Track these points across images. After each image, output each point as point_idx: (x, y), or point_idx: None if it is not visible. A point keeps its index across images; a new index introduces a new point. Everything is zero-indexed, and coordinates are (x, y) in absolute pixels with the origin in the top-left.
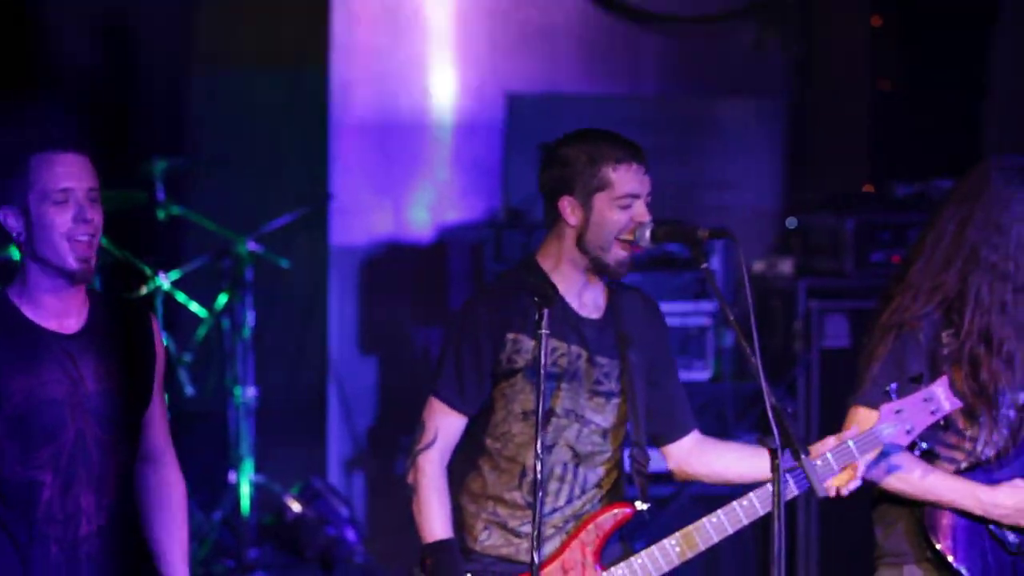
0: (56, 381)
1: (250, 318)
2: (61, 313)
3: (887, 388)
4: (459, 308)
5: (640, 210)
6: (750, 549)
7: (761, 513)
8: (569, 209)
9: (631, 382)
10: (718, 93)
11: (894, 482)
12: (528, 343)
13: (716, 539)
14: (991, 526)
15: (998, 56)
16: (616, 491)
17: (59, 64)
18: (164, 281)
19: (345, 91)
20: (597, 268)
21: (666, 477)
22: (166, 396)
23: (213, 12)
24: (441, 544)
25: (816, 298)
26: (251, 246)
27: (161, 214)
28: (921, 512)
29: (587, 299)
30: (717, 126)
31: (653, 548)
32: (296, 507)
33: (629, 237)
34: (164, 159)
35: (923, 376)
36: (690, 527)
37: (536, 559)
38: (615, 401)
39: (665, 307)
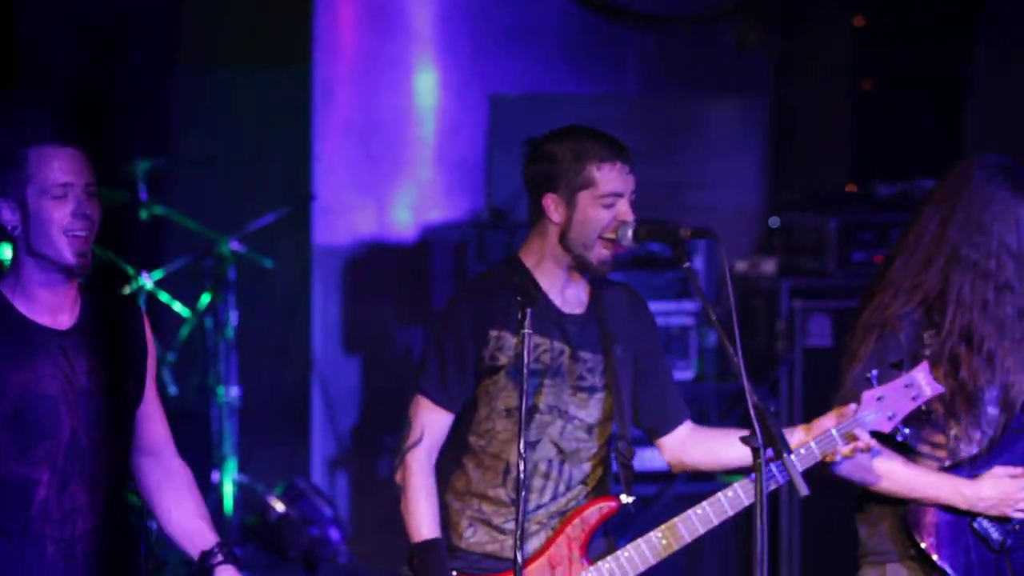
0: (51, 377)
1: (233, 318)
2: (55, 309)
3: (868, 375)
4: (443, 306)
5: (623, 209)
6: (732, 548)
7: (746, 503)
8: (553, 206)
9: (615, 377)
10: (701, 93)
11: (878, 481)
12: (511, 340)
13: (702, 530)
14: (974, 524)
15: (980, 56)
16: (602, 487)
17: (42, 63)
18: (147, 281)
19: (328, 91)
20: (579, 266)
21: (650, 477)
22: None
23: (197, 12)
24: (428, 544)
25: (799, 297)
26: (234, 246)
27: (144, 214)
28: (904, 510)
29: (570, 295)
30: (700, 126)
31: (639, 541)
32: (279, 507)
33: (612, 236)
34: (147, 159)
35: (903, 363)
36: (675, 519)
37: (519, 557)
38: (599, 396)
39: None
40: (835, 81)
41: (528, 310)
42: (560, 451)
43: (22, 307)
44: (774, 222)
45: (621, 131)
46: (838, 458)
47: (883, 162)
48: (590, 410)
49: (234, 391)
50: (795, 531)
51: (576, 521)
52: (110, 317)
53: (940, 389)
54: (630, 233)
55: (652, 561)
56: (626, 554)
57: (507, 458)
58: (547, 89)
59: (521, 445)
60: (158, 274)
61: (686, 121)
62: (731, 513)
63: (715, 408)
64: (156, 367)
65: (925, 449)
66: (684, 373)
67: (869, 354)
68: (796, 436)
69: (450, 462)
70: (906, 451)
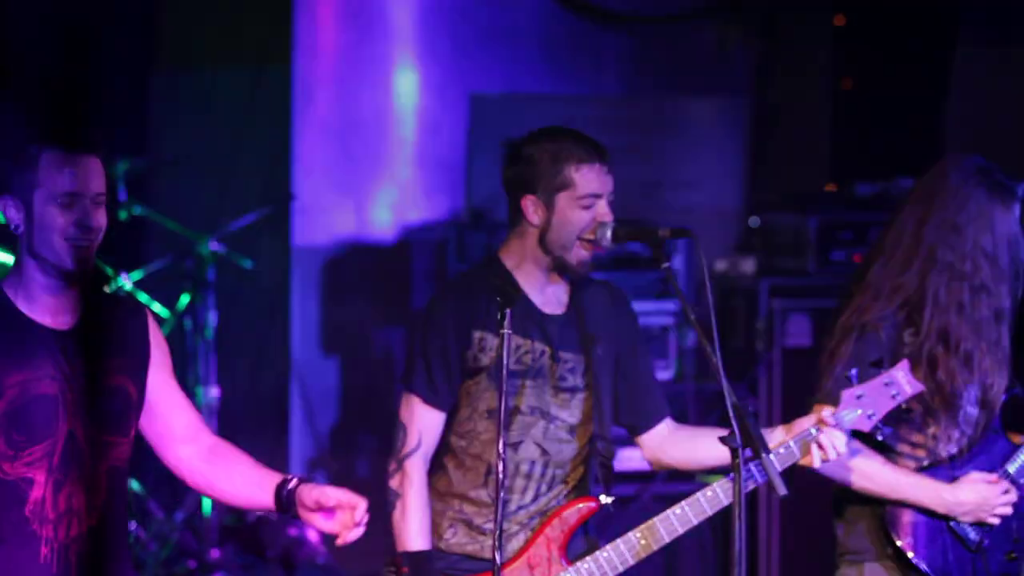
0: (50, 377)
1: (212, 318)
2: (56, 309)
3: (848, 374)
4: (424, 305)
5: (602, 210)
6: (711, 548)
7: (725, 503)
8: (532, 208)
9: (596, 377)
10: (681, 92)
11: (858, 480)
12: (493, 341)
13: (681, 530)
14: (952, 523)
15: (959, 55)
16: (583, 486)
17: (19, 63)
18: (126, 281)
19: (308, 91)
20: (559, 267)
21: (628, 477)
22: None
23: (175, 11)
24: (421, 555)
25: (778, 297)
26: (213, 246)
27: (123, 214)
28: (882, 510)
29: (550, 295)
30: (680, 126)
31: (618, 541)
32: None
33: (591, 237)
34: (126, 159)
35: (883, 361)
36: (654, 519)
37: (498, 559)
38: (580, 396)
39: None
40: (815, 80)
41: (508, 311)
42: (543, 452)
43: (23, 306)
44: (753, 221)
45: (601, 131)
46: (816, 462)
47: (863, 161)
48: (572, 410)
49: (213, 391)
50: (774, 531)
51: (555, 521)
52: (113, 319)
53: (920, 387)
54: (609, 234)
55: (631, 561)
56: (605, 554)
57: (489, 459)
58: (527, 89)
59: (500, 446)
60: (137, 274)
61: (666, 121)
62: (710, 513)
63: (694, 408)
64: (171, 361)
65: (904, 448)
66: (663, 373)
67: (849, 354)
68: (776, 436)
69: (431, 463)
70: (885, 450)
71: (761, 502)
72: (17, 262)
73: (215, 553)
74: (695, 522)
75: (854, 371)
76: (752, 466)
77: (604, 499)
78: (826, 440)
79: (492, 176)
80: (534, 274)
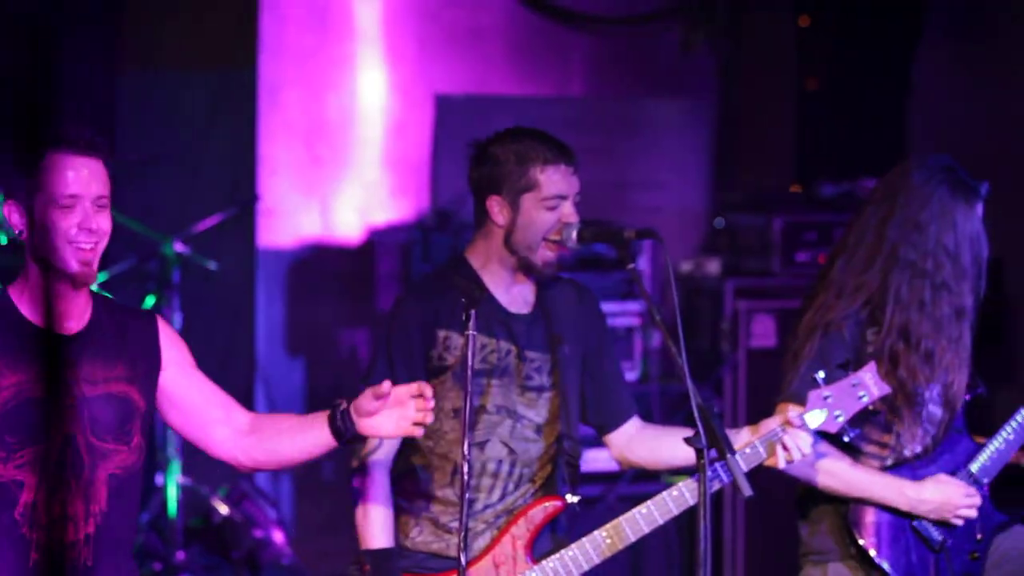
0: (46, 381)
1: (177, 320)
2: (61, 314)
3: (814, 376)
4: (389, 306)
5: (568, 211)
6: (676, 548)
7: (691, 503)
8: (497, 209)
9: (562, 376)
10: (646, 94)
11: (824, 479)
12: (458, 340)
13: (647, 530)
14: (915, 523)
15: (924, 56)
16: (550, 485)
17: None
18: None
19: (273, 92)
20: (524, 267)
21: (594, 478)
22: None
23: (139, 12)
24: (383, 552)
25: (743, 298)
26: (178, 248)
27: None
28: (845, 509)
29: (516, 295)
30: (645, 126)
31: (584, 540)
32: (223, 509)
33: (556, 238)
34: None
35: (849, 363)
36: (620, 518)
37: (463, 559)
38: (547, 395)
39: None
40: (780, 81)
41: (472, 312)
42: (510, 451)
43: (26, 311)
44: (718, 222)
45: (566, 132)
46: (781, 463)
47: (827, 162)
48: (539, 409)
49: None
50: (739, 531)
51: (521, 520)
52: (119, 327)
53: (887, 389)
54: (574, 235)
55: (596, 560)
56: (570, 553)
57: (455, 459)
58: (493, 90)
59: (465, 446)
60: (102, 276)
61: (631, 122)
62: (676, 512)
63: (659, 409)
64: (189, 356)
65: (869, 448)
66: (629, 374)
67: (813, 354)
68: (742, 437)
69: (399, 463)
70: (850, 450)
71: (726, 502)
72: (23, 268)
73: (180, 555)
74: (661, 522)
75: (821, 372)
76: (718, 466)
77: (570, 498)
78: (791, 441)
79: (458, 177)
80: (500, 274)
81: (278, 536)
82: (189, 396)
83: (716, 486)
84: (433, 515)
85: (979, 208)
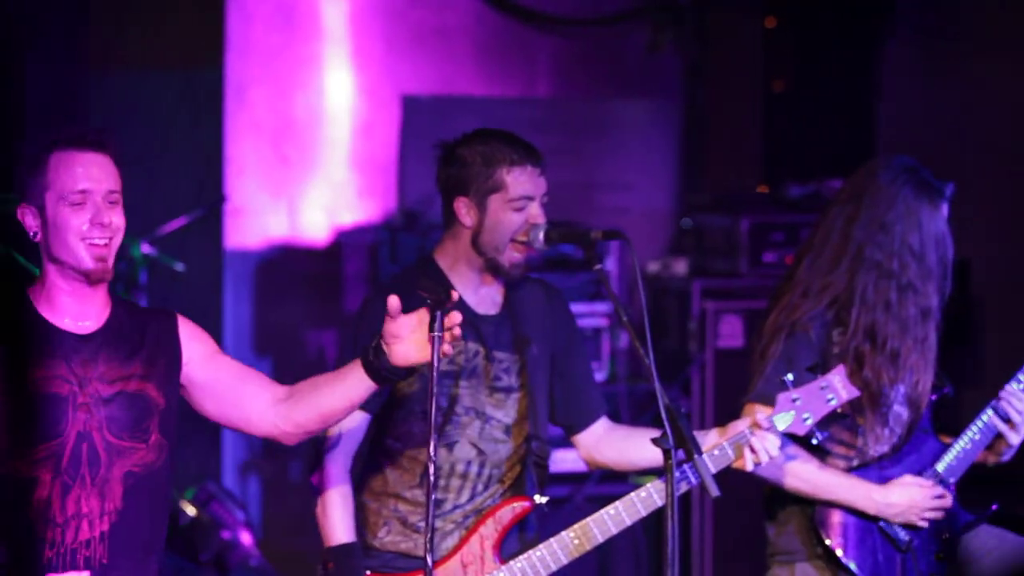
0: (62, 378)
1: None
2: (78, 314)
3: (783, 378)
4: (357, 307)
5: (534, 212)
6: (644, 549)
7: (659, 503)
8: (464, 210)
9: (531, 376)
10: (612, 94)
11: (792, 481)
12: None
13: (615, 530)
14: (881, 523)
15: (889, 56)
16: (519, 486)
17: None
18: None
19: (240, 92)
20: (492, 269)
21: (562, 478)
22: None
23: (105, 12)
24: (344, 548)
25: (710, 298)
26: (145, 249)
27: None
28: (812, 510)
29: (484, 295)
30: (612, 127)
31: (552, 541)
32: (191, 510)
33: (523, 239)
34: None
35: (818, 366)
36: (588, 519)
37: (429, 560)
38: (516, 396)
39: None
40: (746, 82)
41: (439, 314)
42: (479, 452)
43: (44, 311)
44: (685, 223)
45: (533, 133)
46: (749, 465)
47: (794, 163)
48: (507, 410)
49: None
50: (706, 531)
51: (490, 520)
52: (137, 327)
53: (856, 392)
54: (541, 236)
55: (564, 561)
56: (538, 553)
57: (424, 459)
58: (459, 91)
59: (431, 448)
60: None
61: (598, 123)
62: (644, 513)
63: (627, 409)
64: (213, 346)
65: (835, 448)
66: (596, 375)
67: (779, 354)
68: (710, 439)
69: (367, 463)
70: (817, 451)
71: (694, 503)
72: (41, 269)
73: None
74: (629, 523)
75: (790, 375)
76: (686, 467)
77: (538, 499)
78: (758, 443)
79: (425, 178)
80: (468, 275)
81: (246, 537)
82: (218, 380)
83: (684, 487)
84: (401, 515)
85: (944, 209)
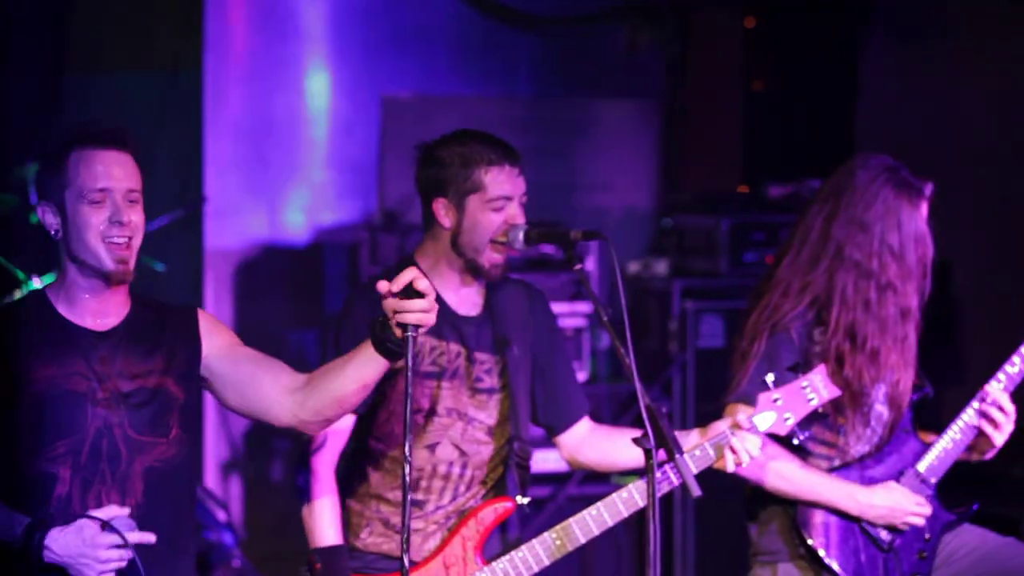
0: (80, 375)
1: None
2: (97, 312)
3: (764, 379)
4: (339, 308)
5: (514, 211)
6: (626, 549)
7: (641, 505)
8: (443, 211)
9: (512, 377)
10: (593, 94)
11: (774, 481)
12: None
13: (596, 532)
14: (864, 524)
15: (869, 56)
16: (501, 487)
17: None
18: (38, 285)
19: (220, 93)
20: (472, 269)
21: (544, 479)
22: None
23: (85, 14)
24: (331, 549)
25: (691, 298)
26: None
27: (34, 218)
28: (794, 510)
29: (465, 296)
30: (592, 127)
31: (533, 542)
32: None
33: (503, 239)
34: (37, 163)
35: (799, 366)
36: (570, 520)
37: (406, 560)
38: (497, 397)
39: None
40: (726, 82)
41: (411, 336)
42: (461, 453)
43: (63, 309)
44: (666, 223)
45: (513, 132)
46: (730, 466)
47: (774, 163)
48: (489, 411)
49: None
50: (689, 532)
51: (472, 521)
52: (157, 324)
53: (837, 392)
54: (521, 236)
55: (546, 562)
56: (520, 554)
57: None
58: (439, 91)
59: (407, 448)
60: (49, 278)
61: (578, 122)
62: (626, 514)
63: (608, 409)
64: (231, 338)
65: (816, 448)
66: (577, 375)
67: (761, 354)
68: (691, 439)
69: (351, 465)
70: (798, 451)
71: (676, 503)
72: (60, 268)
73: None
74: (611, 523)
75: (771, 375)
76: (668, 468)
77: (520, 500)
78: (739, 444)
79: (405, 178)
80: (448, 276)
81: (228, 538)
82: (237, 372)
83: (666, 488)
84: (384, 516)
85: (923, 208)
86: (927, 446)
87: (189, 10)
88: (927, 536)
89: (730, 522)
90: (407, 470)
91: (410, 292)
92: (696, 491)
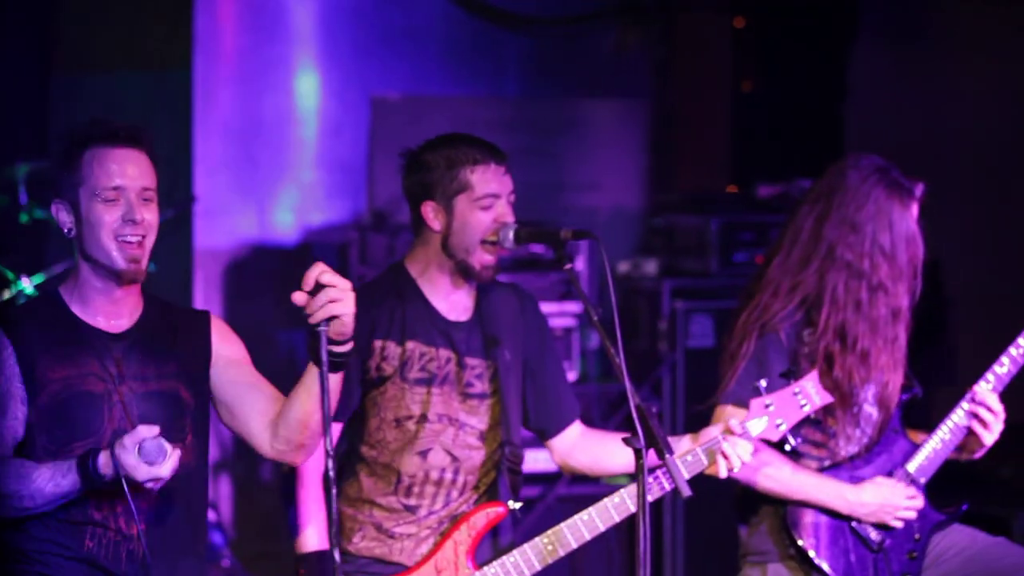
0: (96, 376)
1: None
2: (110, 313)
3: (756, 384)
4: None
5: (502, 210)
6: (616, 549)
7: (633, 510)
8: (432, 214)
9: (503, 382)
10: (581, 94)
11: (764, 482)
12: (395, 350)
13: (588, 537)
14: (853, 524)
15: (858, 57)
16: (493, 492)
17: None
18: (27, 285)
19: (209, 93)
20: (463, 271)
21: (533, 479)
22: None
23: (75, 14)
24: (318, 555)
25: (681, 298)
26: None
27: (24, 217)
28: (784, 510)
29: (455, 302)
30: (581, 127)
31: (525, 546)
32: None
33: (493, 239)
34: (26, 163)
35: (791, 373)
36: (562, 525)
37: (337, 556)
38: (488, 402)
39: None
40: (715, 82)
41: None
42: (453, 459)
43: (77, 309)
44: (656, 223)
45: (502, 133)
46: (722, 471)
47: (763, 163)
48: (481, 416)
49: None
50: (678, 532)
51: (463, 526)
52: (169, 326)
53: (829, 399)
54: (511, 235)
55: (538, 567)
56: (512, 559)
57: (398, 467)
58: (428, 91)
59: (328, 444)
60: (38, 278)
61: (567, 122)
62: (618, 520)
63: (597, 409)
64: (241, 354)
65: (806, 449)
66: (567, 374)
67: (751, 354)
68: (683, 445)
69: (343, 471)
70: (789, 453)
71: (666, 503)
72: (74, 266)
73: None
74: (603, 528)
75: (763, 381)
76: (660, 474)
77: (512, 505)
78: (730, 449)
79: (394, 178)
80: (439, 280)
81: (217, 538)
82: (231, 391)
83: (659, 493)
84: (376, 520)
85: (914, 208)
86: (916, 446)
87: (178, 10)
88: (917, 536)
89: (720, 523)
90: (330, 465)
91: (319, 289)
92: (686, 491)
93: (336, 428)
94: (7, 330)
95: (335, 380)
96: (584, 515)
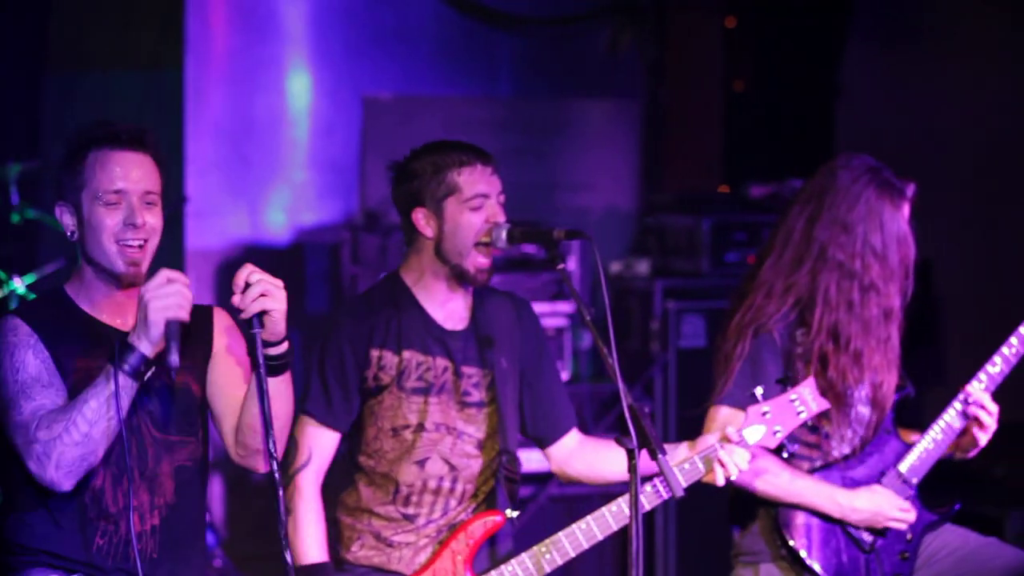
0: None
1: None
2: (117, 313)
3: (753, 392)
4: (324, 324)
5: (493, 210)
6: (609, 549)
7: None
8: (423, 220)
9: (499, 391)
10: (573, 94)
11: (759, 485)
12: (392, 359)
13: (586, 545)
14: (846, 524)
15: (850, 57)
16: (491, 500)
17: None
18: (19, 285)
19: (200, 93)
20: (458, 276)
21: (525, 479)
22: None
23: (66, 13)
24: (317, 567)
25: (673, 298)
26: None
27: (15, 217)
28: (776, 511)
29: (451, 310)
30: (573, 127)
31: (523, 555)
32: None
33: (486, 239)
34: (18, 162)
35: (788, 379)
36: (560, 534)
37: (289, 558)
38: (486, 411)
39: None
40: (707, 82)
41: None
42: (451, 468)
43: (86, 307)
44: (648, 223)
45: (494, 133)
46: (720, 479)
47: (755, 163)
48: (479, 425)
49: None
50: (671, 532)
51: (461, 535)
52: None
53: (826, 405)
54: (504, 235)
55: (536, 575)
56: (510, 568)
57: (396, 477)
58: (420, 91)
59: (270, 445)
60: (30, 278)
61: (559, 122)
62: (616, 528)
63: (590, 409)
64: (239, 350)
65: (799, 449)
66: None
67: (744, 356)
68: (680, 453)
69: (341, 480)
70: (780, 450)
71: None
72: (77, 268)
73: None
74: (600, 537)
75: (760, 388)
76: (657, 482)
77: (510, 513)
78: (727, 457)
79: (386, 178)
80: (434, 288)
81: (209, 538)
82: (221, 389)
83: (657, 502)
84: (375, 529)
85: (905, 209)
86: (909, 446)
87: (170, 10)
88: (909, 537)
89: (712, 523)
90: (275, 467)
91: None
92: (679, 491)
93: (333, 438)
94: (28, 321)
95: (278, 383)
96: (582, 523)
